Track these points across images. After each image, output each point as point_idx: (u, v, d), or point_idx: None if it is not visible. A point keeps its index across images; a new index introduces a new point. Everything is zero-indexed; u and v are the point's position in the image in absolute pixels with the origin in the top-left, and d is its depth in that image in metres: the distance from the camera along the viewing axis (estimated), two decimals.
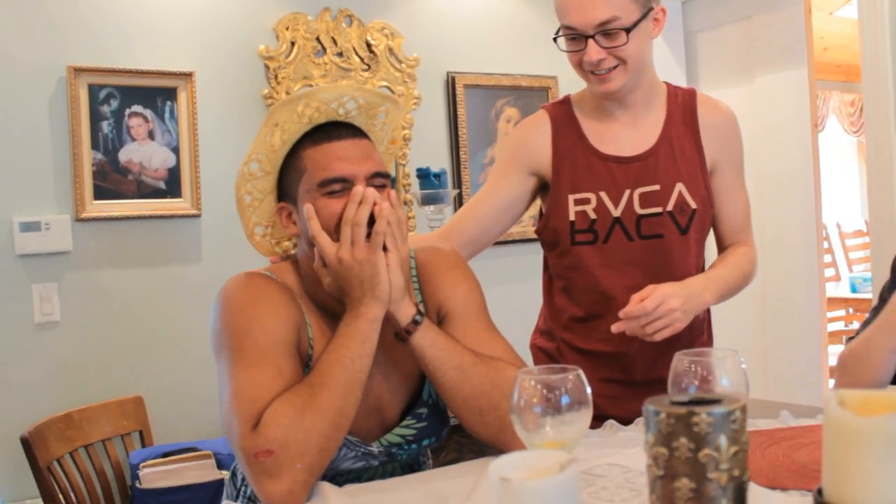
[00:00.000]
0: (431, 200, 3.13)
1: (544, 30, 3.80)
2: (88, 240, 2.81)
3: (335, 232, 1.34)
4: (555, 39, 1.69)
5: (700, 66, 3.89)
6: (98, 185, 2.81)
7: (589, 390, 1.07)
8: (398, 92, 3.39)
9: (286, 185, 1.42)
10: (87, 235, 2.81)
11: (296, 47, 3.19)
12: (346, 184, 1.35)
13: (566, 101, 1.83)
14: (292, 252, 1.55)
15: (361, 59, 3.34)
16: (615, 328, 1.57)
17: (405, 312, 1.36)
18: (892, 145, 2.82)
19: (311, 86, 3.20)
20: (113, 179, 2.84)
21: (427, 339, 1.36)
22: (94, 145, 2.80)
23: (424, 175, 3.14)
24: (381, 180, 1.38)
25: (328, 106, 1.38)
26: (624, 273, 1.73)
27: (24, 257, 2.72)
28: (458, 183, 3.56)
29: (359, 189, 1.32)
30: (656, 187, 1.72)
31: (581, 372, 1.07)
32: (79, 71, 2.76)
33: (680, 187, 1.72)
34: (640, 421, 1.59)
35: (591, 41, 1.62)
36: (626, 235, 1.72)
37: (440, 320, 1.49)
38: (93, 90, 2.80)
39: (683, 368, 1.14)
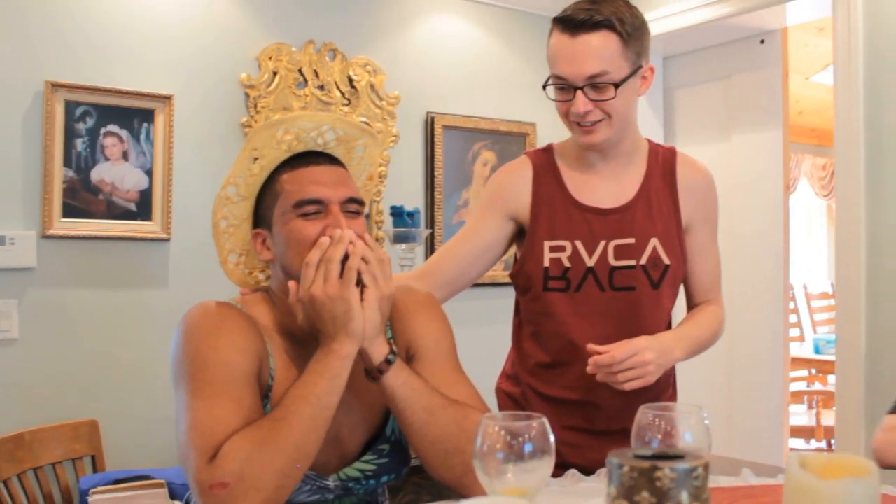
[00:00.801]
0: (403, 239, 3.14)
1: (526, 76, 3.85)
2: (54, 257, 2.78)
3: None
4: (544, 87, 1.71)
5: (678, 122, 3.95)
6: (67, 203, 2.78)
7: (552, 439, 1.06)
8: (377, 128, 3.40)
9: (262, 210, 1.43)
10: (52, 253, 2.77)
11: (277, 77, 3.20)
12: (320, 206, 1.36)
13: (549, 149, 1.86)
14: (264, 284, 1.55)
15: (342, 94, 3.35)
16: (590, 369, 1.58)
17: (378, 351, 1.36)
18: (861, 210, 2.87)
19: None
20: (83, 198, 2.81)
21: (398, 379, 1.36)
22: (67, 162, 2.78)
23: (398, 213, 3.15)
24: (356, 206, 1.40)
25: (307, 134, 1.40)
26: (593, 323, 1.74)
27: None
28: (430, 223, 3.57)
29: (336, 232, 1.33)
30: (631, 240, 1.73)
31: (545, 420, 1.06)
32: (56, 86, 2.74)
33: (654, 242, 1.74)
34: (601, 472, 1.58)
35: (579, 93, 1.64)
36: (598, 285, 1.73)
37: (408, 359, 1.49)
38: (69, 106, 2.78)
39: (647, 422, 1.14)
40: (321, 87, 3.31)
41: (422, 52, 3.61)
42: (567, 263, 1.73)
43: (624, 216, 1.75)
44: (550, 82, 1.69)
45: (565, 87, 1.67)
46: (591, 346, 1.59)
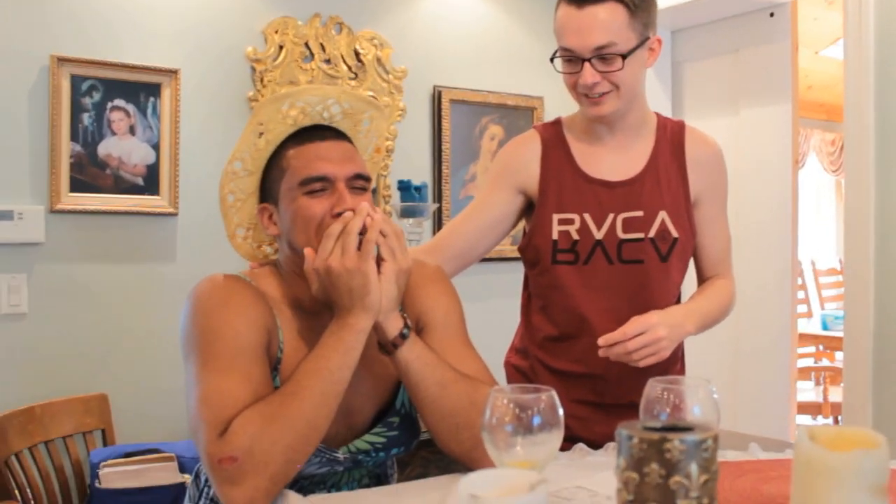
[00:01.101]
0: (411, 213, 3.13)
1: (533, 50, 3.83)
2: (62, 232, 2.78)
3: (315, 235, 1.35)
4: (551, 59, 1.71)
5: (686, 96, 3.93)
6: (75, 178, 2.78)
7: (561, 412, 1.07)
8: (384, 103, 3.40)
9: (268, 185, 1.43)
10: (60, 228, 2.78)
11: (283, 51, 3.19)
12: (326, 183, 1.36)
13: (557, 122, 1.86)
14: (272, 257, 1.55)
15: (349, 68, 3.34)
16: (602, 352, 1.58)
17: (393, 325, 1.36)
18: (870, 185, 2.86)
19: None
20: (90, 173, 2.81)
21: (412, 353, 1.37)
22: (74, 137, 2.78)
23: (405, 188, 3.14)
24: (362, 182, 1.40)
25: (313, 108, 1.39)
26: (602, 295, 1.75)
27: None
28: (438, 197, 3.57)
29: (356, 206, 1.33)
30: (639, 213, 1.74)
31: (554, 393, 1.07)
32: (62, 61, 2.74)
33: (663, 215, 1.74)
34: (609, 446, 1.60)
35: (587, 64, 1.64)
36: (606, 258, 1.74)
37: (418, 332, 1.49)
38: (75, 81, 2.77)
39: (656, 395, 1.15)
40: (327, 61, 3.29)
41: (429, 25, 3.59)
42: (576, 236, 1.74)
43: (632, 189, 1.76)
44: (558, 55, 1.69)
45: (573, 59, 1.67)
46: (602, 339, 1.59)
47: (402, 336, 1.36)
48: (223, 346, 1.29)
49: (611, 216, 1.74)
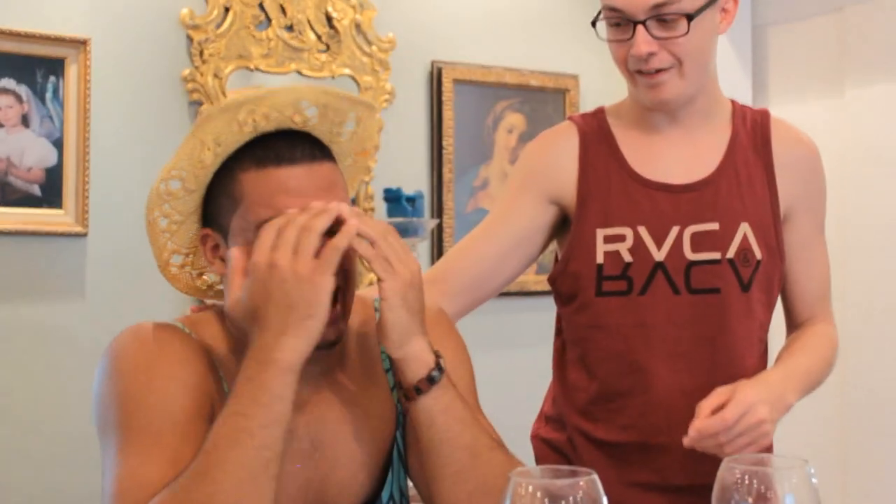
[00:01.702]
0: (402, 232, 3.14)
1: (565, 14, 3.85)
2: None
3: None
4: (593, 24, 1.71)
5: (771, 72, 3.93)
6: None
7: (605, 502, 1.07)
8: (365, 84, 3.41)
9: (214, 209, 1.41)
10: None
11: (231, 15, 3.21)
12: None
13: (600, 112, 1.87)
14: (219, 287, 1.55)
15: (318, 37, 3.36)
16: (686, 442, 1.57)
17: (417, 362, 1.35)
18: None
19: (249, 68, 3.22)
20: None
21: (440, 403, 1.36)
22: None
23: (394, 198, 3.15)
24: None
25: (281, 113, 1.38)
26: (665, 338, 1.74)
27: None
28: (437, 211, 3.58)
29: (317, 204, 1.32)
30: (715, 226, 1.74)
31: (596, 477, 1.07)
32: None
33: (745, 229, 1.74)
34: None
35: (640, 28, 1.64)
36: (671, 287, 1.74)
37: None
38: None
39: (734, 480, 1.14)
40: (289, 28, 3.31)
41: None
42: (628, 257, 1.74)
43: (703, 194, 1.76)
44: (602, 16, 1.70)
45: (622, 23, 1.67)
46: (694, 429, 1.57)
47: (431, 380, 1.35)
48: (146, 420, 1.29)
49: (675, 230, 1.74)
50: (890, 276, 3.60)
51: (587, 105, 3.89)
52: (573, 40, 3.87)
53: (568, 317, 1.84)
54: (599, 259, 1.75)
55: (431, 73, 3.60)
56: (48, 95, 2.93)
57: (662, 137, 1.79)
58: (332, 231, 1.29)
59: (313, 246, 1.28)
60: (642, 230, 1.74)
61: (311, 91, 1.39)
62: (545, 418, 1.93)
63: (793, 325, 1.89)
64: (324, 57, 3.37)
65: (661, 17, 1.64)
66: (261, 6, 3.27)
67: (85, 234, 2.98)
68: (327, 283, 1.27)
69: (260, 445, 1.23)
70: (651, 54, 1.65)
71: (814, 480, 1.15)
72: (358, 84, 3.39)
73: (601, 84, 3.93)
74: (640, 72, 1.69)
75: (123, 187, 2.99)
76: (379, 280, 1.32)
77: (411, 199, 3.15)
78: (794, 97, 3.80)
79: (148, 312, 2.92)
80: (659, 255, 1.74)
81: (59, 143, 2.95)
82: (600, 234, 1.76)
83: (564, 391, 1.86)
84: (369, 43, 3.45)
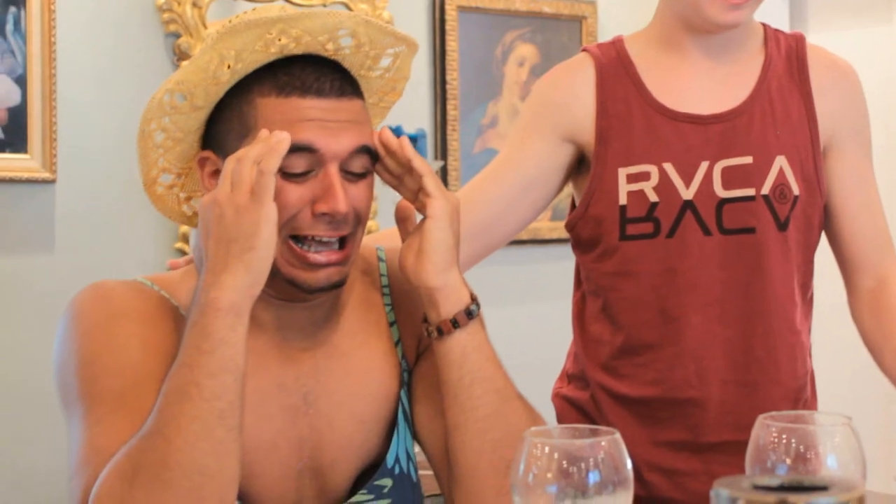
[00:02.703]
0: None
1: None
2: None
3: (280, 233, 1.32)
4: None
5: None
6: None
7: (629, 464, 1.07)
8: (360, 10, 3.39)
9: (220, 131, 1.41)
10: None
11: None
12: (311, 158, 1.33)
13: (618, 41, 1.88)
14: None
15: None
16: None
17: (459, 292, 1.38)
18: None
19: None
20: None
21: (476, 340, 1.38)
22: None
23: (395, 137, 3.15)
24: (364, 162, 1.37)
25: (314, 38, 1.37)
26: (696, 283, 1.76)
27: None
28: (442, 152, 3.58)
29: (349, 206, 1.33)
30: (748, 160, 1.75)
31: (618, 436, 1.07)
32: None
33: (781, 162, 1.75)
34: None
35: None
36: (701, 227, 1.75)
37: (421, 353, 1.51)
38: None
39: (770, 439, 1.15)
40: None
41: None
42: (654, 197, 1.75)
43: (735, 125, 1.77)
44: None
45: None
46: None
47: (469, 313, 1.38)
48: (109, 383, 1.31)
49: (705, 165, 1.75)
50: None
51: (606, 35, 3.87)
52: None
53: (589, 265, 1.85)
54: (622, 200, 1.76)
55: (433, 0, 3.59)
56: (9, 28, 2.91)
57: (690, 65, 1.81)
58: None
59: (249, 176, 1.27)
60: (668, 167, 1.75)
61: (350, 18, 1.39)
62: (567, 376, 1.95)
63: (855, 275, 1.87)
64: None
65: None
66: None
67: (53, 181, 2.98)
68: (266, 212, 1.26)
69: (210, 396, 1.23)
70: None
71: (858, 440, 1.15)
72: (350, 11, 3.37)
73: (621, 10, 3.93)
74: None
75: (95, 129, 2.99)
76: (427, 197, 1.35)
77: (413, 139, 3.10)
78: (837, 23, 3.79)
79: (121, 265, 2.96)
80: (687, 194, 1.75)
81: (21, 81, 2.93)
82: (622, 172, 1.77)
83: (586, 346, 1.88)
84: None
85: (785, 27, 3.88)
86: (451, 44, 3.59)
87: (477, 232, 1.82)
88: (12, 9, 2.91)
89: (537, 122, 1.87)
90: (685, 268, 1.75)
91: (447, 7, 3.58)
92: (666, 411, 1.79)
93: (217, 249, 1.27)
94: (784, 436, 1.15)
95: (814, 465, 1.14)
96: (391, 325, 1.52)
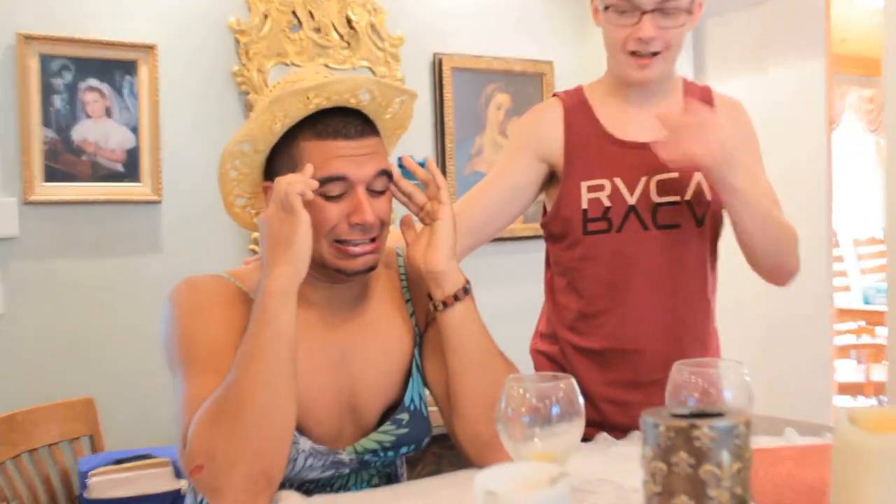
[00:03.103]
0: None
1: (541, 11, 3.81)
2: (37, 225, 2.79)
3: (324, 237, 1.34)
4: (605, 8, 1.70)
5: (708, 53, 3.90)
6: (49, 166, 2.79)
7: (581, 401, 1.08)
8: (380, 73, 3.39)
9: (276, 166, 1.42)
10: (35, 220, 2.79)
11: (269, 20, 3.18)
12: (345, 185, 1.34)
13: (578, 90, 1.88)
14: None
15: (341, 36, 3.33)
16: (656, 115, 1.62)
17: (454, 278, 1.41)
18: None
19: (286, 63, 3.20)
20: (65, 160, 2.82)
21: (469, 311, 1.41)
22: (46, 122, 2.78)
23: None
24: (383, 182, 1.39)
25: (340, 96, 1.38)
26: (637, 264, 1.76)
27: None
28: (442, 173, 3.55)
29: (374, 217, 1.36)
30: (674, 175, 1.75)
31: (573, 381, 1.08)
32: (29, 39, 2.74)
33: (699, 177, 1.75)
34: (634, 434, 1.61)
35: (647, 17, 1.64)
36: (641, 224, 1.75)
37: (429, 323, 1.51)
38: (45, 61, 2.77)
39: (683, 380, 1.15)
40: (317, 30, 3.28)
41: None
42: (607, 202, 1.75)
43: None
44: (610, 4, 1.69)
45: (628, 11, 1.66)
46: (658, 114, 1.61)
47: (465, 290, 1.41)
48: (203, 351, 1.32)
49: (643, 179, 1.75)
50: (800, 215, 3.59)
51: (560, 85, 3.86)
52: (549, 33, 3.85)
53: (558, 253, 1.86)
54: (584, 205, 1.77)
55: (434, 63, 3.57)
56: (125, 91, 2.91)
57: (631, 106, 1.81)
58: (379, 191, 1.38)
59: (284, 198, 1.28)
60: (618, 180, 1.76)
61: (367, 81, 1.39)
62: (540, 335, 1.95)
63: None
64: (345, 52, 3.34)
65: (664, 10, 1.64)
66: (293, 13, 3.24)
67: (159, 202, 2.98)
68: (298, 219, 1.28)
69: (270, 358, 1.26)
70: (652, 39, 1.66)
71: (747, 378, 1.16)
72: (374, 74, 3.36)
73: (571, 69, 3.91)
74: (634, 53, 1.69)
75: (188, 163, 2.98)
76: (439, 204, 1.41)
77: (421, 164, 3.12)
78: (726, 73, 3.78)
79: (209, 263, 2.95)
80: (631, 200, 1.75)
81: (135, 129, 2.93)
82: (584, 185, 1.77)
83: (556, 312, 1.88)
84: (382, 40, 3.42)
85: (690, 75, 3.88)
86: (447, 94, 3.58)
87: (475, 227, 1.83)
88: (128, 77, 2.91)
89: (520, 147, 1.86)
90: (630, 253, 1.76)
91: (444, 68, 3.56)
92: (616, 359, 1.79)
93: (269, 250, 1.30)
94: (692, 376, 1.15)
95: (714, 399, 1.14)
96: (407, 301, 1.53)
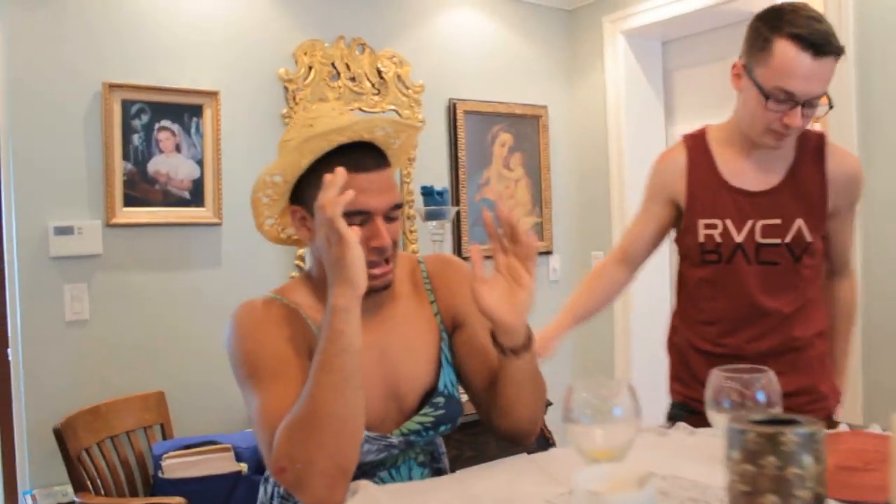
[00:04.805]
0: (435, 216, 3.09)
1: (538, 62, 3.80)
2: (117, 244, 2.73)
3: None
4: (766, 97, 1.62)
5: (677, 102, 3.88)
6: (128, 194, 2.73)
7: (638, 403, 1.03)
8: (405, 115, 3.35)
9: (303, 193, 1.37)
10: (116, 240, 2.72)
11: (313, 71, 3.13)
12: (366, 216, 1.31)
13: (702, 133, 1.85)
14: (295, 237, 1.52)
15: (372, 84, 3.29)
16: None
17: (524, 332, 1.35)
18: None
19: None
20: (141, 188, 2.76)
21: (530, 356, 1.37)
22: (125, 156, 2.72)
23: (428, 192, 3.10)
24: (397, 212, 1.37)
25: (358, 134, 1.34)
26: (738, 291, 1.76)
27: (58, 259, 2.63)
28: (456, 201, 3.52)
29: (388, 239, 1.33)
30: (777, 221, 1.72)
31: (631, 384, 1.03)
32: (113, 87, 2.68)
33: (799, 223, 1.72)
34: (679, 425, 1.56)
35: (799, 109, 1.61)
36: (745, 259, 1.74)
37: (456, 326, 1.47)
38: (125, 105, 2.72)
39: (721, 384, 1.11)
40: (353, 79, 3.24)
41: (443, 43, 3.54)
42: (719, 239, 1.75)
43: (771, 199, 1.73)
44: (772, 92, 1.61)
45: (786, 101, 1.61)
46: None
47: (530, 338, 1.36)
48: (265, 364, 1.28)
49: (750, 222, 1.73)
50: None
51: (554, 126, 3.84)
52: (544, 82, 3.84)
53: (684, 268, 1.87)
54: (701, 239, 1.77)
55: (449, 107, 3.53)
56: (192, 130, 2.85)
57: (746, 156, 1.77)
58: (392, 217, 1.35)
59: (334, 224, 1.22)
60: (728, 222, 1.75)
61: (381, 120, 1.35)
62: (672, 328, 1.94)
63: (831, 267, 1.88)
64: (376, 98, 3.30)
65: (811, 103, 1.61)
66: (332, 65, 3.19)
67: (220, 224, 2.92)
68: (347, 243, 1.22)
69: (338, 369, 1.20)
70: (799, 127, 1.64)
71: (775, 383, 1.11)
72: (400, 115, 3.32)
73: (561, 111, 3.90)
74: (775, 131, 1.65)
75: (245, 191, 2.89)
76: (527, 275, 1.30)
77: (441, 193, 3.09)
78: (693, 118, 3.75)
79: (261, 277, 2.91)
80: (739, 238, 1.74)
81: (200, 162, 2.87)
82: (701, 222, 1.77)
83: (682, 317, 1.89)
84: (407, 88, 3.38)
85: (661, 121, 3.85)
86: (461, 133, 3.53)
87: (641, 260, 1.92)
88: (195, 118, 2.85)
89: (653, 192, 1.88)
90: (732, 282, 1.76)
91: (458, 111, 3.53)
92: (720, 360, 1.64)
93: (330, 273, 1.24)
94: (730, 382, 1.11)
95: (749, 399, 1.10)
96: (432, 302, 1.49)
